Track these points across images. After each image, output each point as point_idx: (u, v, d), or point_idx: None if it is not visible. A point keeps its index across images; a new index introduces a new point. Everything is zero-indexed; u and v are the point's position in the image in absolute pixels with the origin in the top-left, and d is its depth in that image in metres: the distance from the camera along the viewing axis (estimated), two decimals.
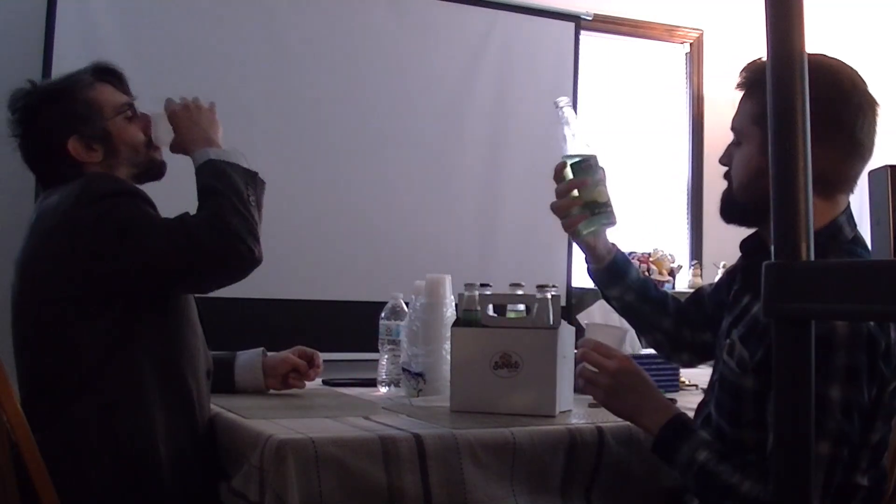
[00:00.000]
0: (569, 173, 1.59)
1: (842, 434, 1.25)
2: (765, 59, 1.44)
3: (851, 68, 1.38)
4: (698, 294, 1.73)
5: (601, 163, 1.61)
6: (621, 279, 1.69)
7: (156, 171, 1.84)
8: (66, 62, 3.42)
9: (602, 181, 1.59)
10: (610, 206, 1.59)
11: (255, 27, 3.77)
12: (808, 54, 1.37)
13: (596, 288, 1.75)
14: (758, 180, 1.38)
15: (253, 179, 1.71)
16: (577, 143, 1.62)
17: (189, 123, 1.77)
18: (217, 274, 1.66)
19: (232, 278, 1.66)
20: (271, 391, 1.99)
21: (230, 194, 1.64)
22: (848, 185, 1.40)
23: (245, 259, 1.61)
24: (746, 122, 1.43)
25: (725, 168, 1.49)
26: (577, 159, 1.60)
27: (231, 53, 3.66)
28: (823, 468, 1.25)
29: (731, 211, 1.48)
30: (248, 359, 1.96)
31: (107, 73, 1.84)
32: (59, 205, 1.64)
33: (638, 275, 1.72)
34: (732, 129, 1.47)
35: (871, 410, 1.30)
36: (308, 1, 3.87)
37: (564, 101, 1.64)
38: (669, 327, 1.71)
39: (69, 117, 1.73)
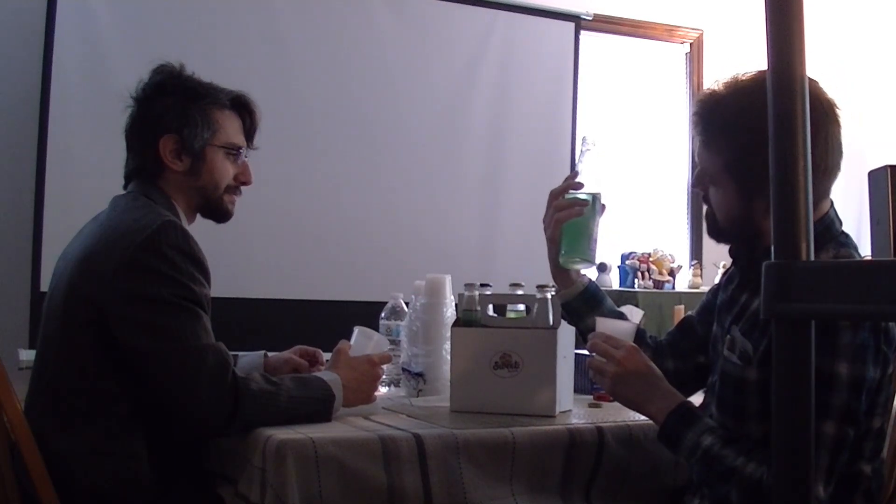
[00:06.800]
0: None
1: (848, 412, 1.25)
2: (715, 88, 1.47)
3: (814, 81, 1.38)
4: (686, 321, 1.74)
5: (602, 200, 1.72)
6: (598, 307, 1.74)
7: (219, 215, 1.80)
8: (67, 62, 3.43)
9: (598, 219, 1.69)
10: (595, 246, 1.69)
11: (255, 28, 3.77)
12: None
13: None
14: (741, 219, 1.44)
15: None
16: (589, 179, 1.70)
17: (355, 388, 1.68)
18: (190, 416, 1.55)
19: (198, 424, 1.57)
20: None
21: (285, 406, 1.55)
22: (829, 184, 1.42)
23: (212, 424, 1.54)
24: (718, 170, 1.46)
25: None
26: (588, 195, 1.69)
27: (230, 54, 3.66)
28: (828, 449, 1.24)
29: (720, 237, 1.53)
30: (250, 361, 1.95)
31: (246, 111, 1.82)
32: (129, 231, 1.58)
33: (613, 306, 1.78)
34: (702, 169, 1.50)
35: (875, 394, 1.31)
36: (308, 1, 3.88)
37: (594, 141, 1.74)
38: (649, 357, 1.72)
39: (181, 116, 1.71)
